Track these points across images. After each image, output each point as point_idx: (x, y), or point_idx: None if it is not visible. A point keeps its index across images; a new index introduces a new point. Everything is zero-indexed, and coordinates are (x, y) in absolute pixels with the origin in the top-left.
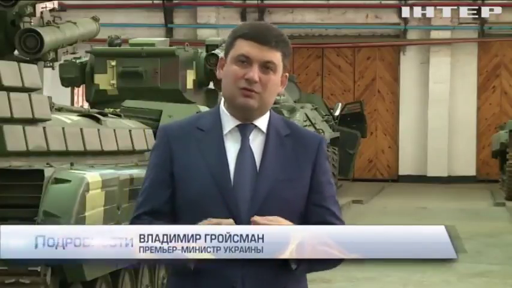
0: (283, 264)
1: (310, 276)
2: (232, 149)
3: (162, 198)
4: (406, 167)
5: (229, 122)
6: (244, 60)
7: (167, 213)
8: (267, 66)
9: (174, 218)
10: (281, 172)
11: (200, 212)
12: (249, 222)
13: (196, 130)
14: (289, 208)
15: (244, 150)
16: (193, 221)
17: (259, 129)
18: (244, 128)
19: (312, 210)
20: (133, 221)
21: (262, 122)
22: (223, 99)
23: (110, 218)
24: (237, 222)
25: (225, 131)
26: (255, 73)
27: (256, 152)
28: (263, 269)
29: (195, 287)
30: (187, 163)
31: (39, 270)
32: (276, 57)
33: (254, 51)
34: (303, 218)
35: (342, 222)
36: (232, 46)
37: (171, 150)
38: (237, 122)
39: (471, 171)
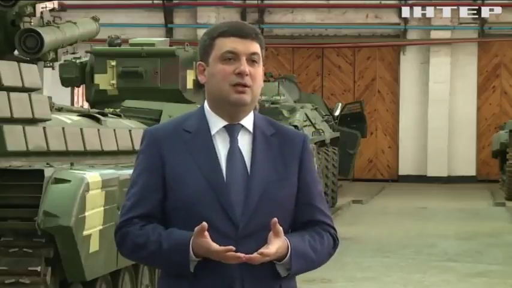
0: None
1: (310, 276)
2: (221, 150)
3: (154, 202)
4: (406, 167)
5: (216, 123)
6: (231, 57)
7: (157, 217)
8: (252, 59)
9: (163, 221)
10: (272, 172)
11: (195, 215)
12: (244, 225)
13: (183, 132)
14: (281, 208)
15: (234, 151)
16: (187, 223)
17: (246, 129)
18: (232, 129)
19: (301, 209)
20: (123, 224)
21: (248, 121)
22: (207, 100)
23: (110, 218)
24: (232, 223)
25: (212, 132)
26: (245, 66)
27: (244, 153)
28: (260, 268)
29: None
30: (179, 166)
31: (39, 270)
32: (258, 48)
33: (239, 45)
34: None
35: (329, 218)
36: (212, 47)
37: (160, 153)
38: (224, 123)
39: (471, 171)
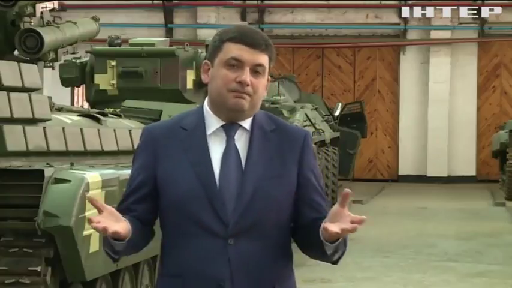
0: (273, 262)
1: (310, 276)
2: (217, 149)
3: (138, 197)
4: (406, 167)
5: (213, 123)
6: (235, 64)
7: (139, 211)
8: (256, 70)
9: (149, 217)
10: (267, 169)
11: (186, 213)
12: (234, 223)
13: (180, 129)
14: (276, 205)
15: (229, 149)
16: (179, 222)
17: (244, 128)
18: (229, 128)
19: (303, 207)
20: None
21: (246, 121)
22: (207, 98)
23: None
24: (222, 222)
25: (209, 131)
26: (247, 76)
27: (241, 151)
28: (252, 268)
29: (183, 287)
30: (172, 164)
31: (39, 270)
32: (265, 60)
33: (245, 54)
34: (293, 215)
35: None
36: (219, 50)
37: (155, 151)
38: (222, 123)
39: (471, 171)
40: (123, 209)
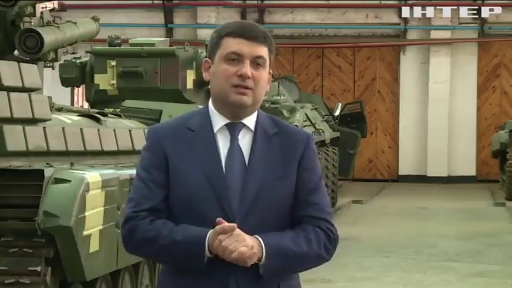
0: None
1: (310, 276)
2: (221, 148)
3: (160, 197)
4: (406, 167)
5: (218, 121)
6: (235, 58)
7: (165, 211)
8: (257, 62)
9: (169, 217)
10: (269, 171)
11: (194, 212)
12: (239, 222)
13: (187, 130)
14: (278, 206)
15: (233, 149)
16: (186, 220)
17: (248, 128)
18: (233, 127)
19: (296, 206)
20: (132, 216)
21: (250, 120)
22: (211, 98)
23: (110, 218)
24: (230, 222)
25: (215, 129)
26: (247, 69)
27: (245, 151)
28: (255, 269)
29: (186, 286)
30: (180, 164)
31: (39, 270)
32: (265, 52)
33: (244, 47)
34: (292, 214)
35: (326, 213)
36: (219, 46)
37: (163, 151)
38: (226, 121)
39: (471, 171)
40: (153, 209)
